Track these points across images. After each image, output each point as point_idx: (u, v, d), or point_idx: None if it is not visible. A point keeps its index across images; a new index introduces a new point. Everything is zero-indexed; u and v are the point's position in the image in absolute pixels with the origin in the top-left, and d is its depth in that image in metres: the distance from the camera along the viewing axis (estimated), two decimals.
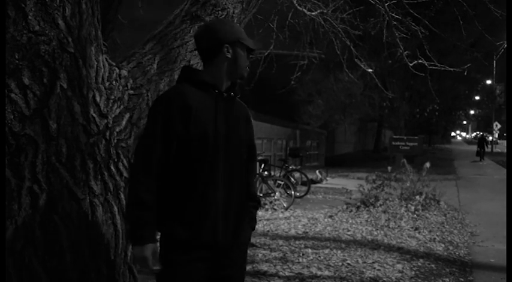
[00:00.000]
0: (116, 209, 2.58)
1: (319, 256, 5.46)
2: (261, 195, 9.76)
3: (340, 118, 25.09)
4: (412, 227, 7.32)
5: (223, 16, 3.01)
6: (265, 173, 10.55)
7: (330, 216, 8.26)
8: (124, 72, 2.76)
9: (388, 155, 20.13)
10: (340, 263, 5.18)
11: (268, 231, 7.01)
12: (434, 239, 6.69)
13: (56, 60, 2.35)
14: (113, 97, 2.65)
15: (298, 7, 5.64)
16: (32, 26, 2.27)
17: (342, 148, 30.98)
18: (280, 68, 8.03)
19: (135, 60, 2.85)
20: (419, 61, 6.24)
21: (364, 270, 4.95)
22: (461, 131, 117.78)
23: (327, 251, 5.73)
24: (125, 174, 2.62)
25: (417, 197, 8.76)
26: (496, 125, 42.78)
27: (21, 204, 2.26)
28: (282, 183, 10.39)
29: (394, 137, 18.35)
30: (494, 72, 44.52)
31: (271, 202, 9.48)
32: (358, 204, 8.70)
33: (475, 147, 33.22)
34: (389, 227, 7.29)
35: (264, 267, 4.91)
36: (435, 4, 13.20)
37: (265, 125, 14.77)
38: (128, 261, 2.64)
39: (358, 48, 7.61)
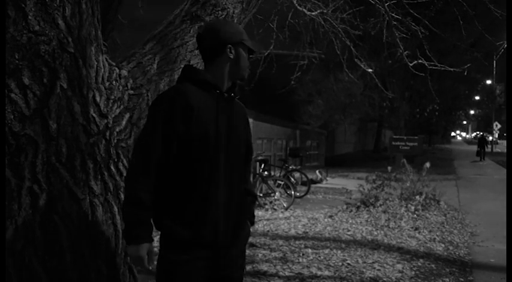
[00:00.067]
0: (115, 209, 2.58)
1: (319, 256, 5.46)
2: (261, 195, 9.77)
3: (340, 118, 25.08)
4: (412, 227, 7.32)
5: (223, 16, 3.01)
6: (265, 173, 10.55)
7: (330, 216, 8.26)
8: (124, 72, 2.76)
9: (388, 155, 20.14)
10: (340, 263, 5.18)
11: (268, 231, 7.01)
12: (434, 239, 6.69)
13: (56, 60, 2.35)
14: (113, 97, 2.65)
15: (298, 7, 5.64)
16: (32, 26, 2.27)
17: (342, 148, 30.98)
18: (280, 68, 8.03)
19: (135, 60, 2.85)
20: (419, 61, 6.24)
21: (364, 270, 4.95)
22: (461, 131, 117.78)
23: (327, 251, 5.73)
24: (125, 174, 2.61)
25: (417, 197, 8.76)
26: (496, 125, 42.77)
27: (21, 204, 2.26)
28: (282, 183, 10.39)
29: (394, 137, 18.35)
30: (494, 72, 44.51)
31: (271, 202, 9.49)
32: (358, 204, 8.71)
33: (475, 147, 33.23)
34: (389, 227, 7.29)
35: (264, 267, 4.91)
36: (435, 4, 13.20)
37: (265, 125, 14.76)
38: (128, 261, 2.64)
39: (358, 48, 7.61)
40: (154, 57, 2.86)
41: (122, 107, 2.68)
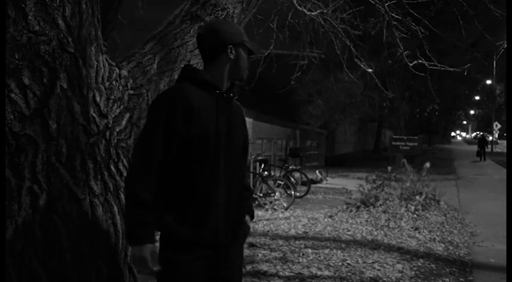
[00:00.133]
0: (116, 209, 2.58)
1: (319, 256, 5.46)
2: (261, 195, 9.76)
3: (340, 118, 25.08)
4: (412, 227, 7.32)
5: (223, 16, 3.02)
6: (265, 173, 10.55)
7: (330, 216, 8.26)
8: (124, 72, 2.76)
9: (388, 155, 20.12)
10: (340, 263, 5.18)
11: (268, 231, 7.01)
12: (434, 239, 6.69)
13: (56, 60, 2.35)
14: (113, 97, 2.65)
15: (298, 7, 5.64)
16: (32, 26, 2.27)
17: (342, 148, 30.97)
18: (280, 68, 8.03)
19: (135, 60, 2.85)
20: (419, 61, 6.24)
21: (364, 270, 4.95)
22: (461, 131, 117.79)
23: (327, 251, 5.73)
24: (125, 174, 2.61)
25: (417, 197, 8.76)
26: (496, 125, 42.79)
27: (21, 204, 2.26)
28: (282, 183, 10.39)
29: (394, 137, 18.35)
30: (494, 72, 44.52)
31: (271, 202, 9.48)
32: (358, 204, 8.71)
33: (475, 147, 33.23)
34: (389, 227, 7.29)
35: (264, 267, 4.91)
36: (435, 4, 13.22)
37: (265, 125, 14.76)
38: (128, 261, 2.64)
39: (358, 48, 7.61)
40: (154, 57, 2.86)
41: (122, 107, 2.68)
